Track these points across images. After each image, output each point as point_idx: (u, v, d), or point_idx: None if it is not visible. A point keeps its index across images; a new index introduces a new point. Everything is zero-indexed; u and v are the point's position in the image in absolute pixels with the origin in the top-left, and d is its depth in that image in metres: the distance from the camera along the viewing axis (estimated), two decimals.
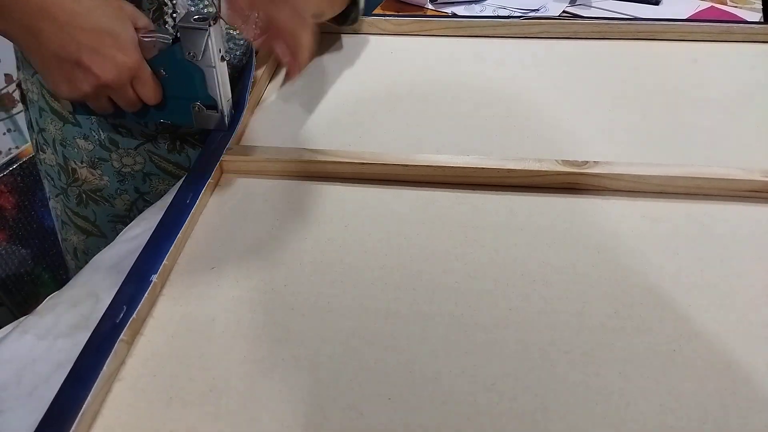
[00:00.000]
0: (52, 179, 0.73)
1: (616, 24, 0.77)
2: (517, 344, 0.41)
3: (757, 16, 1.02)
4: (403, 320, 0.43)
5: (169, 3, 0.60)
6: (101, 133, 0.66)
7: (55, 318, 0.46)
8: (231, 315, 0.44)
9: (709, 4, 1.04)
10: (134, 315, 0.41)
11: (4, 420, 0.39)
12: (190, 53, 0.52)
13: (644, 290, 0.45)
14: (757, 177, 0.52)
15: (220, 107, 0.56)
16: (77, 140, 0.67)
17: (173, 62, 0.54)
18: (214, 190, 0.55)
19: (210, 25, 0.51)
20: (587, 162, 0.53)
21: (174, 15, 0.61)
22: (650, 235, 0.49)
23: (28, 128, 0.74)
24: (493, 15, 0.90)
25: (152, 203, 0.64)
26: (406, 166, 0.54)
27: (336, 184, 0.55)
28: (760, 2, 1.05)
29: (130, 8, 0.52)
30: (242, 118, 0.60)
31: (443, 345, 0.41)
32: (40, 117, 0.69)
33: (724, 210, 0.51)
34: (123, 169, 0.70)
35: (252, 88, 0.65)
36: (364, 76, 0.72)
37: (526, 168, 0.53)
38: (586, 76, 0.71)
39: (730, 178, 0.52)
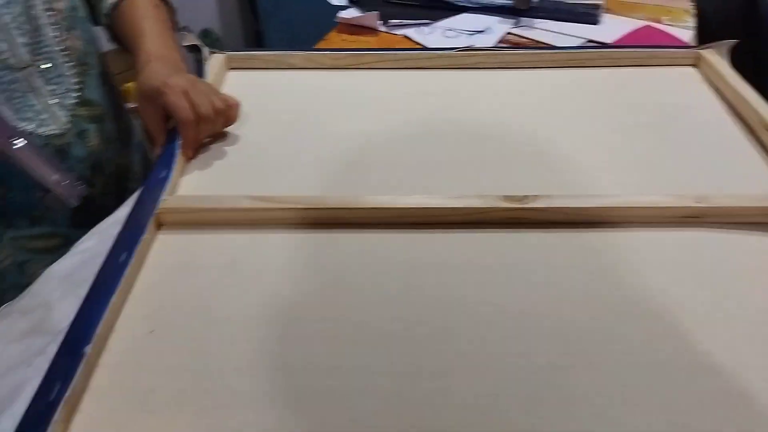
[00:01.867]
0: None
1: (548, 53, 0.79)
2: (465, 392, 0.41)
3: (689, 34, 1.06)
4: (345, 377, 0.42)
5: None
6: None
7: (7, 325, 0.48)
8: (173, 383, 0.42)
9: (644, 23, 1.08)
10: (69, 392, 0.39)
11: None
12: None
13: (589, 323, 0.45)
14: (690, 203, 0.53)
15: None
16: None
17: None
18: (151, 245, 0.53)
19: None
20: (527, 197, 0.54)
21: None
22: (591, 268, 0.50)
23: None
24: (437, 48, 0.91)
25: None
26: (350, 209, 0.54)
27: (278, 232, 0.54)
28: (693, 21, 1.09)
29: None
30: (174, 167, 0.58)
31: (386, 401, 0.40)
32: None
33: (659, 237, 0.53)
34: None
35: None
36: (300, 113, 0.71)
37: (468, 206, 0.54)
38: (520, 106, 0.72)
39: (664, 206, 0.53)
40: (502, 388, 0.41)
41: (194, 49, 0.79)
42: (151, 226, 0.53)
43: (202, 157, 0.64)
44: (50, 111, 0.66)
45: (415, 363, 0.43)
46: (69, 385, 0.39)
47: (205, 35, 2.07)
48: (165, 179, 0.57)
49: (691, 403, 0.40)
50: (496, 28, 1.08)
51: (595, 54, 0.79)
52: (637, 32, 1.01)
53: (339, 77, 0.79)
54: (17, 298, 0.52)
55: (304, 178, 0.61)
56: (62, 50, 0.66)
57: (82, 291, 0.46)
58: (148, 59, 0.65)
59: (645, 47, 0.80)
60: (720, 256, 0.51)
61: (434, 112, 0.71)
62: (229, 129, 0.68)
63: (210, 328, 0.46)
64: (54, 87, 0.66)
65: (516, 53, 0.79)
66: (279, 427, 0.39)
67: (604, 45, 0.97)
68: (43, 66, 0.64)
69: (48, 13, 0.64)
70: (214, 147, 0.66)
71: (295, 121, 0.70)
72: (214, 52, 0.80)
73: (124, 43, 0.73)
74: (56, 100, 0.66)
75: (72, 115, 0.68)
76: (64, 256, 0.56)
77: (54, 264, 0.55)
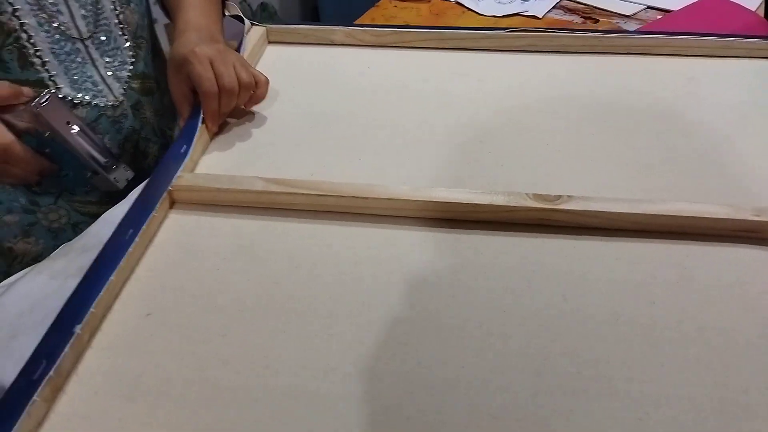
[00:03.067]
0: None
1: (608, 37, 0.72)
2: (466, 408, 0.37)
3: (756, 3, 0.96)
4: (348, 379, 0.39)
5: (27, 45, 0.58)
6: (20, 199, 0.66)
7: (66, 262, 0.52)
8: (160, 371, 0.41)
9: None
10: (52, 372, 0.38)
11: (18, 342, 0.45)
12: (46, 134, 0.56)
13: (612, 346, 0.41)
14: (747, 216, 0.47)
15: (99, 171, 0.60)
16: (3, 218, 0.66)
17: (44, 141, 0.58)
18: (162, 223, 0.52)
19: (37, 107, 0.54)
20: (560, 197, 0.49)
21: (38, 53, 0.59)
22: (624, 281, 0.45)
23: None
24: (487, 28, 0.85)
25: None
26: (366, 199, 0.51)
27: (290, 219, 0.52)
28: None
29: None
30: (194, 143, 0.57)
31: (387, 406, 0.38)
32: None
33: (708, 252, 0.47)
34: (52, 226, 0.68)
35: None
36: (336, 95, 0.68)
37: (493, 203, 0.49)
38: (571, 95, 0.66)
39: (717, 217, 0.47)
40: (500, 407, 0.37)
41: (237, 18, 0.78)
42: (163, 203, 0.52)
43: (228, 135, 0.63)
44: (106, 83, 0.66)
45: (417, 371, 0.40)
46: (54, 364, 0.39)
47: (263, 9, 2.06)
48: (184, 154, 0.56)
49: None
50: None
51: (661, 41, 0.71)
52: (703, 2, 0.91)
53: (380, 56, 0.75)
54: (75, 239, 0.56)
55: (328, 163, 0.58)
56: (118, 23, 0.66)
57: None
58: (184, 28, 0.63)
59: (717, 35, 0.71)
60: None
61: (474, 99, 0.66)
62: (259, 107, 0.66)
63: (206, 317, 0.44)
64: (110, 59, 0.66)
65: (572, 36, 0.72)
66: (254, 427, 0.37)
67: (666, 11, 0.90)
68: (101, 38, 0.64)
69: None
70: (241, 125, 0.64)
71: (328, 102, 0.67)
72: (255, 24, 0.78)
73: (169, 12, 0.72)
74: (111, 72, 0.66)
75: (126, 87, 0.68)
76: (119, 203, 0.59)
77: (110, 209, 0.58)
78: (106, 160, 0.60)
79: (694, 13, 0.91)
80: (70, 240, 0.56)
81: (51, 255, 0.55)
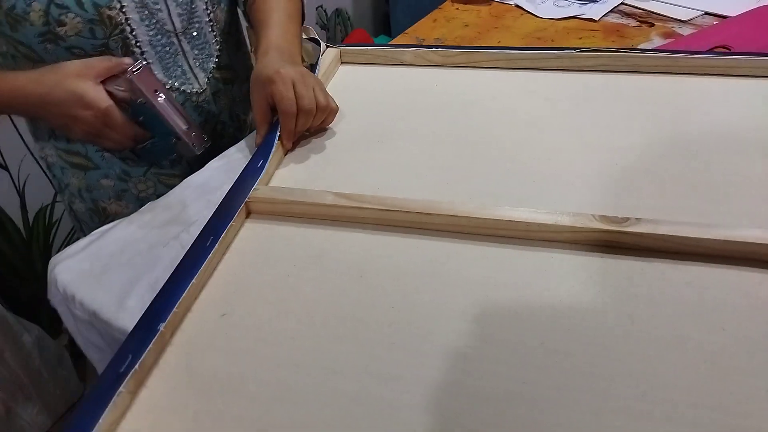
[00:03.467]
0: (86, 223, 0.82)
1: (681, 57, 0.71)
2: (527, 424, 0.38)
3: None
4: (408, 387, 0.41)
5: (130, 36, 0.66)
6: (116, 168, 0.76)
7: (152, 216, 0.62)
8: (234, 369, 0.43)
9: None
10: (137, 366, 0.41)
11: (107, 276, 0.55)
12: (138, 100, 0.63)
13: (678, 370, 0.40)
14: None
15: (181, 136, 0.66)
16: (101, 181, 0.77)
17: (137, 109, 0.65)
18: (237, 233, 0.55)
19: (130, 73, 0.62)
20: (628, 219, 0.49)
21: (138, 44, 0.67)
22: (693, 305, 0.44)
23: (57, 192, 0.84)
24: (556, 48, 0.85)
25: None
26: (429, 215, 0.52)
27: (357, 231, 0.54)
28: None
29: (85, 67, 0.62)
30: (271, 158, 0.60)
31: (448, 419, 0.39)
32: (63, 175, 0.78)
33: None
34: (140, 195, 0.78)
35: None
36: (403, 112, 0.70)
37: (558, 223, 0.50)
38: (640, 115, 0.65)
39: None
40: (564, 427, 0.38)
41: (314, 41, 0.81)
42: (240, 213, 0.55)
43: (300, 150, 0.66)
44: (193, 72, 0.74)
45: (478, 385, 0.40)
46: (139, 358, 0.42)
47: (338, 15, 2.12)
48: (260, 169, 0.59)
49: None
50: None
51: (735, 61, 0.69)
52: (760, 9, 0.89)
53: (448, 75, 0.76)
54: (160, 198, 0.65)
55: (394, 177, 0.60)
56: (209, 21, 0.74)
57: (213, 197, 0.62)
58: (267, 50, 0.68)
59: None
60: None
61: (542, 117, 0.67)
62: (336, 124, 0.69)
63: (277, 320, 0.46)
64: (198, 52, 0.74)
65: (646, 56, 0.72)
66: (324, 428, 0.39)
67: (722, 17, 0.91)
68: (192, 33, 0.72)
69: None
70: (313, 140, 0.67)
71: (395, 119, 0.69)
72: (330, 46, 0.81)
73: (253, 26, 0.77)
74: (199, 63, 0.75)
75: (210, 77, 0.76)
76: (199, 171, 0.68)
77: (190, 176, 0.68)
78: (186, 126, 0.67)
79: (750, 20, 0.89)
80: None
81: (139, 210, 0.64)
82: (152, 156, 0.73)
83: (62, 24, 0.63)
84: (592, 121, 0.65)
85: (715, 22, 0.96)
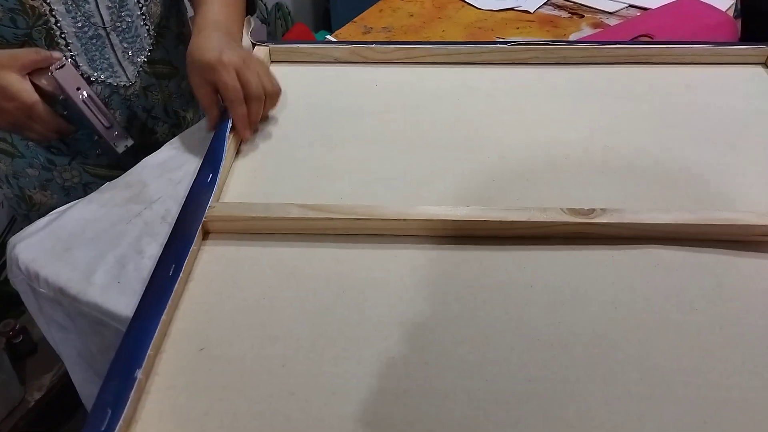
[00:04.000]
0: (14, 209, 0.81)
1: (607, 48, 0.75)
2: (542, 421, 0.38)
3: (727, 5, 1.02)
4: (415, 401, 0.40)
5: (54, 27, 0.64)
6: (40, 157, 0.74)
7: (112, 195, 0.61)
8: (225, 407, 0.40)
9: None
10: (120, 421, 0.37)
11: (71, 255, 0.54)
12: (60, 96, 0.62)
13: (665, 352, 0.42)
14: None
15: (101, 135, 0.66)
16: (27, 170, 0.75)
17: (59, 103, 0.64)
18: (197, 257, 0.51)
19: (51, 71, 0.60)
20: (594, 210, 0.51)
21: (63, 35, 0.65)
22: (665, 288, 0.47)
23: None
24: (489, 42, 0.87)
25: None
26: (404, 221, 0.51)
27: (328, 245, 0.52)
28: None
29: (7, 57, 0.59)
30: (221, 171, 0.56)
31: (462, 425, 0.38)
32: None
33: (737, 260, 0.49)
34: (65, 184, 0.77)
35: (229, 137, 0.61)
36: (350, 115, 0.68)
37: (530, 219, 0.50)
38: (579, 106, 0.68)
39: (742, 223, 0.49)
40: (575, 416, 0.38)
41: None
42: (198, 235, 0.51)
43: (247, 160, 0.62)
44: (121, 65, 0.71)
45: (485, 389, 0.40)
46: (121, 412, 0.38)
47: (278, 9, 2.06)
48: (212, 184, 0.55)
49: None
50: None
51: (659, 50, 0.74)
52: (678, 2, 0.99)
53: (386, 72, 0.75)
54: (120, 177, 0.63)
55: (354, 185, 0.58)
56: (141, 15, 0.71)
57: (173, 175, 0.62)
58: (203, 27, 0.64)
59: (710, 43, 0.75)
60: None
61: (487, 114, 0.67)
62: (273, 130, 0.66)
63: (262, 348, 0.44)
64: (127, 45, 0.71)
65: (574, 48, 0.75)
66: None
67: (644, 9, 1.01)
68: (122, 27, 0.69)
69: None
70: (258, 148, 0.64)
71: (341, 122, 0.67)
72: (256, 44, 0.77)
73: (193, 8, 0.73)
74: (127, 57, 0.71)
75: (140, 71, 0.73)
76: (157, 151, 0.66)
77: (148, 156, 0.65)
78: (108, 125, 0.66)
79: (669, 12, 0.97)
80: (80, 197, 0.62)
81: (99, 189, 0.62)
82: (79, 147, 0.73)
83: None
84: (534, 116, 0.67)
85: (638, 14, 1.04)
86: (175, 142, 0.68)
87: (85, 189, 0.77)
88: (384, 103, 0.70)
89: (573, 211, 0.51)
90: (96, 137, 0.68)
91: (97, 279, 0.51)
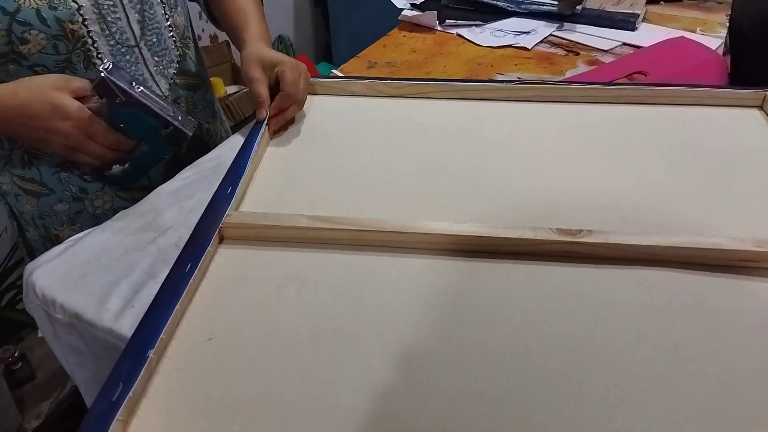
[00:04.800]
0: (39, 251, 0.79)
1: (608, 89, 0.79)
2: (517, 417, 0.41)
3: (716, 44, 1.07)
4: (404, 395, 0.43)
5: (92, 48, 0.67)
6: (71, 187, 0.75)
7: (126, 223, 0.63)
8: (227, 391, 0.44)
9: (679, 33, 1.13)
10: (130, 393, 0.41)
11: (86, 282, 0.56)
12: (117, 100, 0.62)
13: (642, 364, 0.45)
14: (749, 247, 0.52)
15: (170, 122, 0.66)
16: (54, 207, 0.76)
17: (117, 114, 0.63)
18: (213, 258, 0.55)
19: (102, 73, 0.60)
20: (581, 231, 0.54)
21: (100, 56, 0.68)
22: (646, 306, 0.50)
23: (9, 218, 0.83)
24: (496, 81, 0.92)
25: None
26: (404, 233, 0.55)
27: (333, 252, 0.56)
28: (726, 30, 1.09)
29: (63, 81, 0.62)
30: (241, 184, 0.61)
31: (447, 420, 0.41)
32: (17, 202, 0.77)
33: (717, 282, 0.52)
34: (96, 212, 0.78)
35: (254, 153, 0.66)
36: (362, 140, 0.73)
37: (521, 236, 0.54)
38: (578, 140, 0.72)
39: (724, 248, 0.52)
40: (548, 416, 0.41)
41: None
42: (214, 239, 0.56)
43: (266, 176, 0.67)
44: (154, 79, 0.76)
45: (470, 386, 0.43)
46: (131, 387, 0.41)
47: (280, 41, 2.16)
48: (230, 195, 0.60)
49: None
50: (541, 30, 1.18)
51: (656, 92, 0.78)
52: (670, 41, 1.02)
53: (398, 104, 0.81)
54: (133, 206, 0.66)
55: (361, 200, 0.62)
56: (168, 26, 0.76)
57: (186, 204, 0.65)
58: (257, 37, 0.75)
59: (708, 86, 0.79)
60: None
61: (490, 143, 0.72)
62: (293, 150, 0.72)
63: (264, 340, 0.47)
64: (158, 59, 0.75)
65: (575, 88, 0.79)
66: None
67: (637, 47, 1.07)
68: (152, 40, 0.74)
69: None
70: (279, 166, 0.69)
71: (355, 143, 0.72)
72: None
73: (224, 20, 0.81)
74: (159, 70, 0.76)
75: (171, 83, 0.78)
76: (169, 181, 0.70)
77: (162, 185, 0.69)
78: (173, 110, 0.66)
79: (661, 50, 1.00)
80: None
81: (113, 217, 0.65)
82: (142, 167, 0.71)
83: (25, 42, 0.62)
84: (533, 146, 0.71)
85: (632, 51, 1.08)
86: (187, 170, 0.72)
87: (114, 215, 0.80)
88: (394, 129, 0.75)
89: (562, 231, 0.54)
90: (163, 131, 0.67)
91: (112, 305, 0.54)
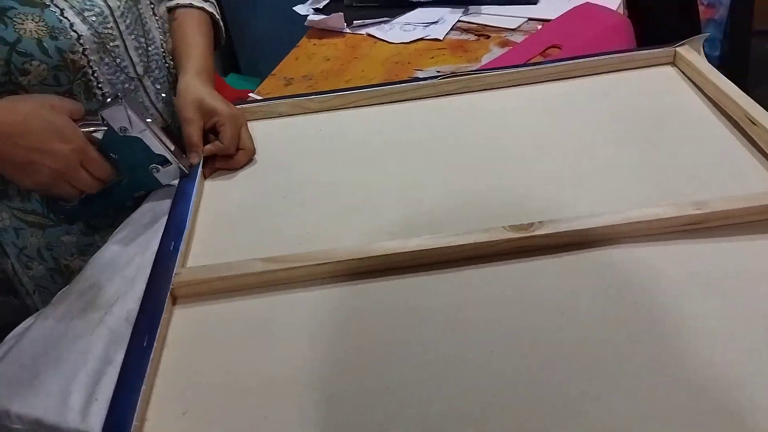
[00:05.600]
0: (46, 288, 0.77)
1: (527, 70, 0.80)
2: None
3: (616, 4, 1.09)
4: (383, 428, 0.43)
5: (92, 78, 0.66)
6: (80, 222, 0.73)
7: (67, 306, 0.58)
8: None
9: (582, 0, 1.12)
10: None
11: (39, 381, 0.51)
12: (121, 129, 0.61)
13: (610, 354, 0.46)
14: (690, 211, 0.54)
15: (171, 159, 0.65)
16: (62, 238, 0.73)
17: (114, 142, 0.61)
18: (169, 324, 0.53)
19: (122, 100, 0.59)
20: (533, 224, 0.55)
21: (100, 86, 0.67)
22: (606, 287, 0.51)
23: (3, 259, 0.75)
24: (421, 78, 0.91)
25: None
26: (361, 259, 0.54)
27: (294, 291, 0.54)
28: None
29: (60, 101, 0.60)
30: (183, 241, 0.59)
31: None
32: (18, 237, 0.72)
33: (667, 250, 0.54)
34: None
35: (193, 203, 0.64)
36: (298, 163, 0.72)
37: (476, 241, 0.54)
38: (509, 128, 0.73)
39: (667, 216, 0.54)
40: (531, 414, 0.42)
41: None
42: (167, 303, 0.53)
43: (207, 220, 0.65)
44: (156, 107, 0.75)
45: (452, 407, 0.43)
46: None
47: None
48: (175, 251, 0.57)
49: (704, 420, 0.41)
50: (448, 18, 1.18)
51: (572, 65, 0.80)
52: (575, 9, 1.05)
53: (327, 119, 0.79)
54: (70, 285, 0.62)
55: (311, 229, 0.61)
56: (163, 52, 0.75)
57: (126, 272, 0.61)
58: (199, 71, 0.72)
59: (622, 52, 0.81)
60: (726, 262, 0.52)
61: (426, 144, 0.72)
62: (230, 189, 0.69)
63: (242, 402, 0.46)
64: (160, 87, 0.75)
65: (498, 74, 0.80)
66: None
67: (543, 20, 1.07)
68: (152, 67, 0.73)
69: (155, 17, 0.74)
70: (210, 205, 0.67)
71: (290, 170, 0.71)
72: None
73: (176, 46, 0.78)
74: (160, 98, 0.75)
75: (172, 110, 0.75)
76: (104, 246, 0.66)
77: (95, 255, 0.65)
78: (174, 147, 0.66)
79: (569, 20, 1.03)
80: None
81: (51, 302, 0.60)
82: (113, 200, 0.68)
83: (26, 73, 0.61)
84: (469, 140, 0.72)
85: (539, 26, 1.09)
86: (118, 235, 0.67)
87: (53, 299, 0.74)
88: (328, 147, 0.74)
89: (514, 228, 0.55)
90: (154, 168, 0.65)
91: (74, 402, 0.49)
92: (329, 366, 0.48)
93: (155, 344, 0.49)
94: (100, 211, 0.72)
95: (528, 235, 0.54)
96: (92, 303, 0.58)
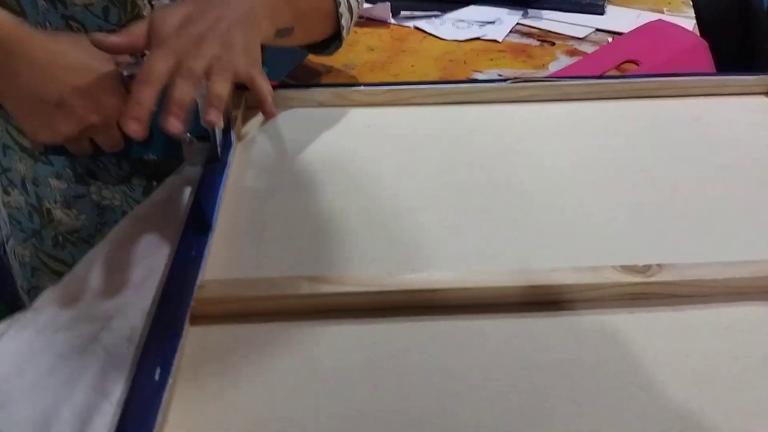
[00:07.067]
0: (19, 222, 0.67)
1: (609, 83, 0.70)
2: None
3: (692, 24, 1.02)
4: None
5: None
6: (77, 168, 0.63)
7: (53, 314, 0.45)
8: None
9: (653, 15, 1.05)
10: None
11: (6, 413, 0.38)
12: None
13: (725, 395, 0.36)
14: None
15: (217, 136, 0.54)
16: (50, 180, 0.64)
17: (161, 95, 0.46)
18: (184, 347, 0.41)
19: None
20: (650, 267, 0.44)
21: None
22: (738, 354, 0.41)
23: None
24: (487, 81, 0.82)
25: None
26: (434, 291, 0.43)
27: (343, 322, 0.43)
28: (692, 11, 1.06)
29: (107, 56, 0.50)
30: (208, 246, 0.47)
31: None
32: (4, 156, 0.64)
33: None
34: (103, 202, 0.65)
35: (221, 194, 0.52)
36: (340, 164, 0.60)
37: (578, 282, 0.43)
38: (589, 148, 0.62)
39: None
40: None
41: None
42: (186, 323, 0.41)
43: (228, 223, 0.53)
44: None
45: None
46: None
47: None
48: (198, 259, 0.45)
49: None
50: (506, 19, 1.09)
51: (661, 83, 0.70)
52: (649, 25, 0.96)
53: (376, 115, 0.68)
54: (61, 281, 0.49)
55: (366, 249, 0.50)
56: None
57: (133, 273, 0.48)
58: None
59: (713, 75, 0.72)
60: None
61: (498, 158, 0.61)
62: (250, 177, 0.57)
63: None
64: None
65: (575, 84, 0.70)
66: None
67: (616, 34, 0.99)
68: None
69: None
70: (230, 203, 0.55)
71: (338, 173, 0.59)
72: None
73: None
74: None
75: None
76: (102, 241, 0.53)
77: (93, 248, 0.53)
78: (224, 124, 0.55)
79: (644, 35, 0.94)
80: (117, 220, 0.54)
81: (33, 305, 0.47)
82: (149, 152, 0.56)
83: None
84: (541, 156, 0.61)
85: (609, 38, 1.00)
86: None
87: (123, 213, 0.65)
88: (381, 147, 0.62)
89: (627, 269, 0.44)
90: (192, 139, 0.54)
91: None
92: (397, 411, 0.36)
93: (170, 380, 0.37)
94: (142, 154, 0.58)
95: (645, 281, 0.44)
96: (85, 313, 0.45)
